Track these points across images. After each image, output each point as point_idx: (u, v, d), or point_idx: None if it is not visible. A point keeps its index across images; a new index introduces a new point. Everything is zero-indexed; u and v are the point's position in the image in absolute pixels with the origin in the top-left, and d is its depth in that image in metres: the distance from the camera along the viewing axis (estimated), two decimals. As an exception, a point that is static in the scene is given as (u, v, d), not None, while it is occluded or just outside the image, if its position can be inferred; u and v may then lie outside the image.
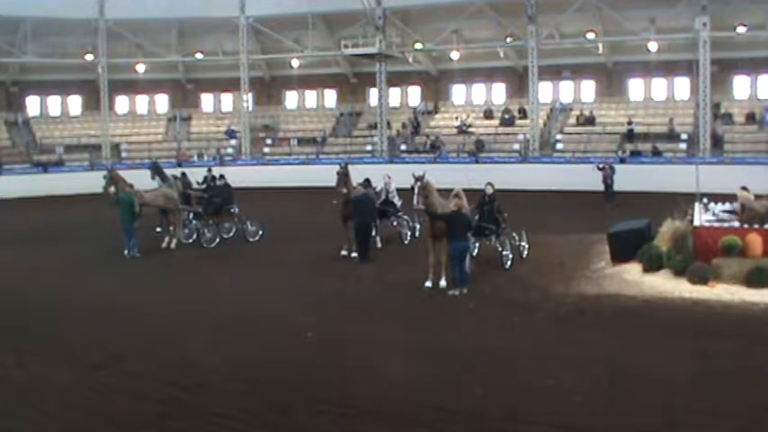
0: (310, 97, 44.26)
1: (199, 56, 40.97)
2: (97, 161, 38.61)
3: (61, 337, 11.86)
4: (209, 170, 23.32)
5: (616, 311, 12.99)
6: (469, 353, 10.73)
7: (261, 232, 20.84)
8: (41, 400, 9.04)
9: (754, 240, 14.19)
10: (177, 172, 23.26)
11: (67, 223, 25.31)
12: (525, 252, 17.40)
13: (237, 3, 38.78)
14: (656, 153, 33.71)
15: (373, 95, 40.42)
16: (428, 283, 14.65)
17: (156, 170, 22.43)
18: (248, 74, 39.93)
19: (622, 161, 31.96)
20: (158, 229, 21.46)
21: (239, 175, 28.54)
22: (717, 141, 33.31)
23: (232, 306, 13.86)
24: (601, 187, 29.21)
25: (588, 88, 39.13)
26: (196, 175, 23.11)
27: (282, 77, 43.71)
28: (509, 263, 16.38)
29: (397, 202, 19.98)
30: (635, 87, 38.30)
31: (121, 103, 44.07)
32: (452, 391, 9.11)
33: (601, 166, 29.40)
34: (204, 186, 22.00)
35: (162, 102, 44.76)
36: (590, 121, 36.95)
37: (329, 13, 38.69)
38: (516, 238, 17.32)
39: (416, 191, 14.84)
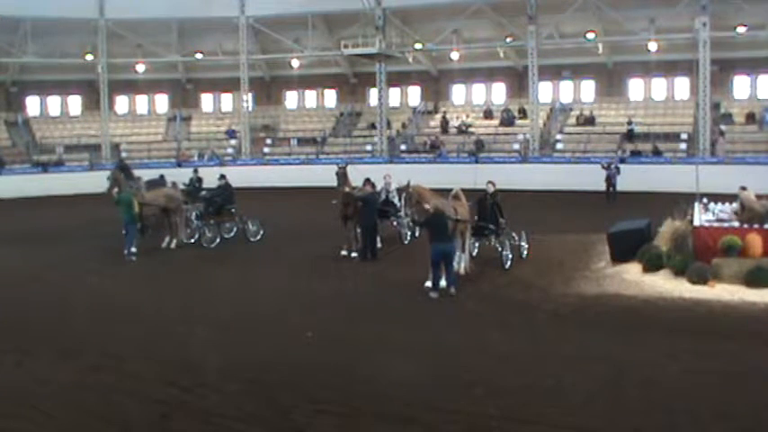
0: (310, 97, 44.26)
1: (199, 56, 40.98)
2: (97, 161, 38.65)
3: (61, 337, 11.86)
4: (195, 171, 22.95)
5: (616, 311, 12.99)
6: (469, 353, 10.73)
7: (261, 232, 20.85)
8: (41, 400, 9.03)
9: (754, 240, 14.20)
10: (176, 173, 23.02)
11: (67, 223, 25.27)
12: (525, 252, 17.40)
13: (237, 3, 38.78)
14: (656, 153, 33.71)
15: (373, 95, 40.42)
16: (428, 283, 14.63)
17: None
18: (248, 74, 39.92)
19: (622, 161, 31.95)
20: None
21: (239, 175, 28.49)
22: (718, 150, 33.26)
23: (232, 306, 13.87)
24: (603, 186, 29.23)
25: (588, 88, 39.13)
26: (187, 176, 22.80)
27: (282, 77, 43.70)
28: (509, 263, 16.39)
29: (398, 202, 19.96)
30: (635, 87, 38.31)
31: (121, 103, 44.07)
32: (452, 391, 9.10)
33: (605, 165, 29.44)
34: (189, 189, 21.57)
35: (162, 102, 44.75)
36: (590, 121, 36.94)
37: (329, 13, 38.66)
38: (516, 238, 17.33)
39: (403, 202, 15.36)
